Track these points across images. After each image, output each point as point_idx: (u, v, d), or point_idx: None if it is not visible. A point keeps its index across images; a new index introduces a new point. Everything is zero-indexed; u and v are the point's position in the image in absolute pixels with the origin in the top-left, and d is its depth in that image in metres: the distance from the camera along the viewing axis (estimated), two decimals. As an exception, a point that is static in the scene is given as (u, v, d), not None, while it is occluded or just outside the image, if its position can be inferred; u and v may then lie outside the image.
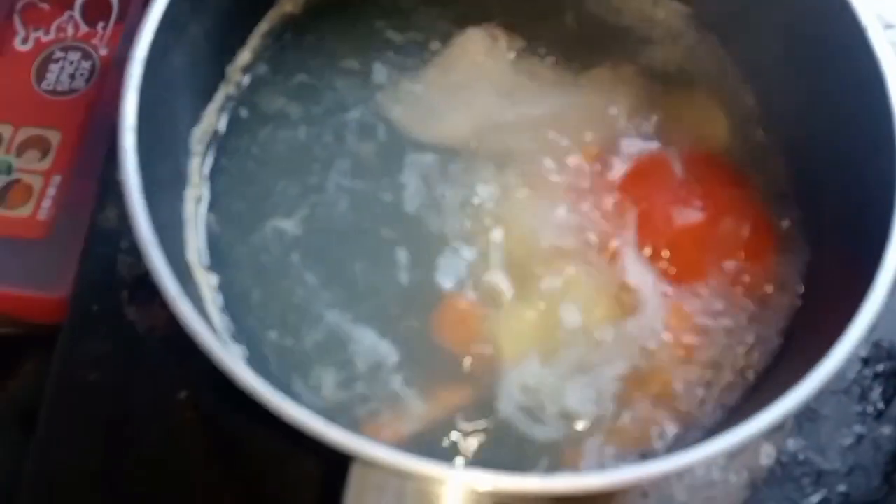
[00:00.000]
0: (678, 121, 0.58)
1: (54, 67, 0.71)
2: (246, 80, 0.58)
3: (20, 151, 0.68)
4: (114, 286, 0.58)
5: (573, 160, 0.57)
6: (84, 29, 0.74)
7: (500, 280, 0.53)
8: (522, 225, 0.55)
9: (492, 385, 0.50)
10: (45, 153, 0.68)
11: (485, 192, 0.55)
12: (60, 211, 0.65)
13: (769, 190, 0.57)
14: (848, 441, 0.56)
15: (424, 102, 0.58)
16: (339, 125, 0.57)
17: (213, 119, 0.56)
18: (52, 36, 0.73)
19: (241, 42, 0.58)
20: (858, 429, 0.56)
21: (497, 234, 0.54)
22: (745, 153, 0.58)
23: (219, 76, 0.56)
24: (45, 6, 0.75)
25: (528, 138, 0.58)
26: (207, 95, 0.56)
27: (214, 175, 0.55)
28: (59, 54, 0.72)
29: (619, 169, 0.56)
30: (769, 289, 0.54)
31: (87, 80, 0.71)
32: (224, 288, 0.52)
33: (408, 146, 0.57)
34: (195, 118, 0.55)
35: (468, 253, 0.53)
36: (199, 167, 0.54)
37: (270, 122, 0.57)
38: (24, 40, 0.73)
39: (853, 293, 0.43)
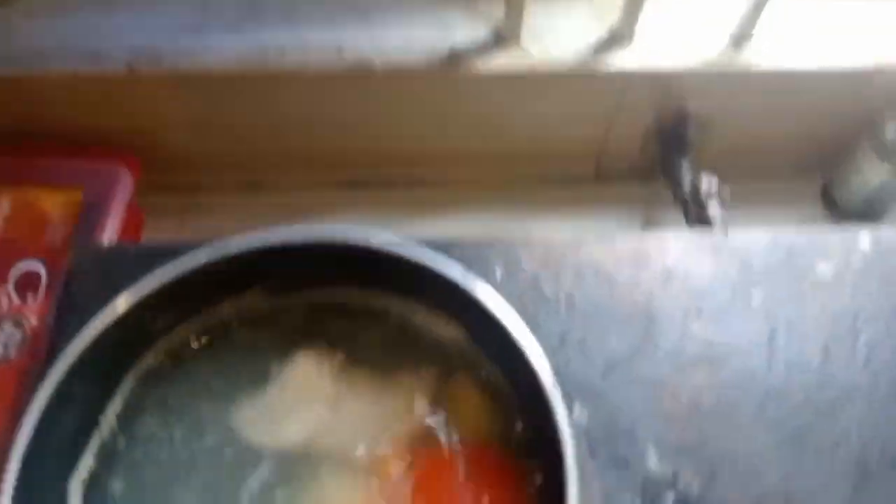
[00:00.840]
0: (457, 414, 0.69)
1: (-10, 339, 0.76)
2: (117, 426, 0.67)
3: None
4: None
5: (381, 457, 0.69)
6: (16, 301, 0.80)
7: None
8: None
9: None
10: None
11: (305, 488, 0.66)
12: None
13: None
14: None
15: (268, 416, 0.71)
16: (195, 449, 0.67)
17: (90, 464, 0.64)
18: (-12, 310, 0.79)
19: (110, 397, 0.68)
20: None
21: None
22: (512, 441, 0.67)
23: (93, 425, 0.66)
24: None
25: (347, 438, 0.69)
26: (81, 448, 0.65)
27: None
28: (-6, 327, 0.78)
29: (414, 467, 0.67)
30: None
31: (19, 349, 0.77)
32: None
33: (251, 454, 0.67)
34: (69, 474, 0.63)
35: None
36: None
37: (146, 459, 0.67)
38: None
39: None
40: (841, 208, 1.05)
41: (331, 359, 0.73)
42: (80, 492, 0.63)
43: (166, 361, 0.71)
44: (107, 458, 0.65)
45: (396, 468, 0.68)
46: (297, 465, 0.68)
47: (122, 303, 0.63)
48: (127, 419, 0.67)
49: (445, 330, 0.72)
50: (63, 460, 0.62)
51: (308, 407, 0.72)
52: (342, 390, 0.72)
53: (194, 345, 0.72)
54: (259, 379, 0.71)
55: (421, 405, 0.70)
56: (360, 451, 0.69)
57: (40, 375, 0.58)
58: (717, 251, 0.79)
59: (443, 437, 0.68)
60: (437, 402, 0.70)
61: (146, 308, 0.64)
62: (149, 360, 0.71)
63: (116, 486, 0.65)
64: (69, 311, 0.73)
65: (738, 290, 0.77)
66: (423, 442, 0.69)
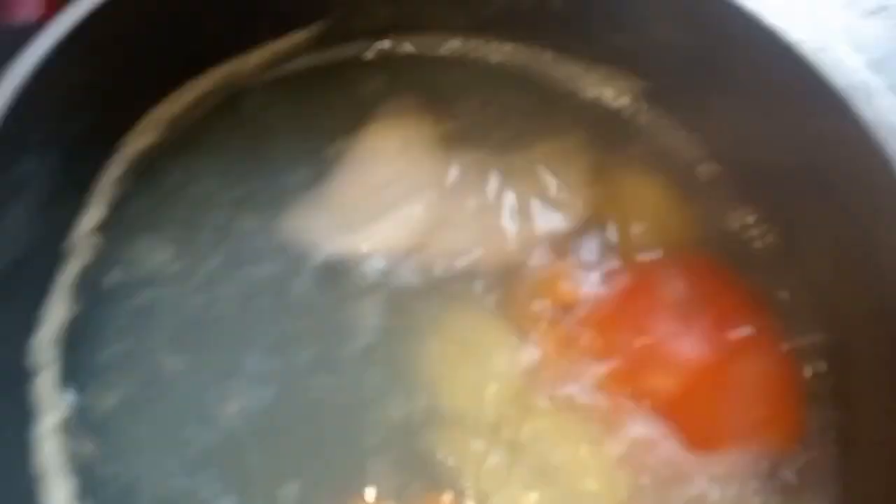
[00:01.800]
0: (637, 213, 0.47)
1: None
2: (95, 250, 0.44)
3: None
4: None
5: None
6: None
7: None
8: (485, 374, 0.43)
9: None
10: None
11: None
12: None
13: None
14: None
15: (342, 214, 0.46)
16: (238, 292, 0.44)
17: (61, 314, 0.42)
18: None
19: (82, 203, 0.43)
20: None
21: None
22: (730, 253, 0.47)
23: (57, 256, 0.42)
24: None
25: (476, 239, 0.46)
26: (42, 286, 0.42)
27: (75, 382, 0.41)
28: None
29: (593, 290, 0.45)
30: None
31: None
32: None
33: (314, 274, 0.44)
34: (30, 325, 0.40)
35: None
36: (51, 385, 0.41)
37: (138, 291, 0.44)
38: None
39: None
40: None
41: (429, 130, 0.49)
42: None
43: (167, 139, 0.46)
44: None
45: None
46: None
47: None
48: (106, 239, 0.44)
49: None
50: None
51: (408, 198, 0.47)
52: (459, 172, 0.48)
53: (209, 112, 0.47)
54: (313, 163, 0.47)
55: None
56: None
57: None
58: None
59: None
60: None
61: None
62: (141, 137, 0.45)
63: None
64: None
65: None
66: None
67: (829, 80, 0.39)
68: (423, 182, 0.47)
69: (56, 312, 0.42)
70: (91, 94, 0.40)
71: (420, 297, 0.44)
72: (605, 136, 0.49)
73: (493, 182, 0.47)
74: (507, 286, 0.45)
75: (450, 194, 0.47)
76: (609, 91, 0.50)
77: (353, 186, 0.47)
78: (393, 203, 0.47)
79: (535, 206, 0.47)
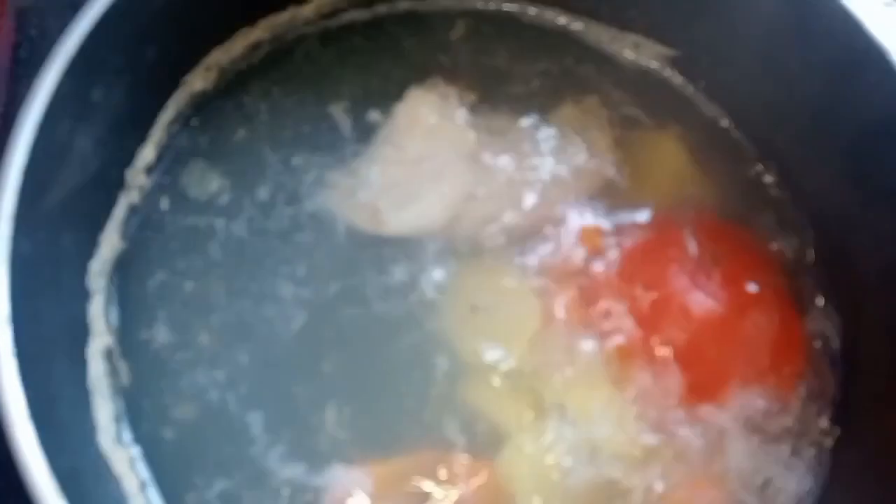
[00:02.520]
0: (659, 174, 0.50)
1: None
2: (151, 181, 0.46)
3: None
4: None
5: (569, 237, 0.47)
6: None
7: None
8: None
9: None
10: None
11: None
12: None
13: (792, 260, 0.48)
14: None
15: (389, 186, 0.48)
16: (281, 228, 0.46)
17: (115, 240, 0.44)
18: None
19: (142, 138, 0.46)
20: None
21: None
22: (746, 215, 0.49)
23: (116, 186, 0.45)
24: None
25: (503, 204, 0.48)
26: (104, 213, 0.44)
27: (126, 310, 0.44)
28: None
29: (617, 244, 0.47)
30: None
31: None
32: (153, 462, 0.41)
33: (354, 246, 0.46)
34: (90, 249, 0.43)
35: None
36: (103, 309, 0.43)
37: (188, 228, 0.46)
38: None
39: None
40: None
41: (460, 96, 0.51)
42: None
43: (222, 81, 0.48)
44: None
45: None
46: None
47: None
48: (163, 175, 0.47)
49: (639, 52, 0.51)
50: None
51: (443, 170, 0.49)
52: (485, 141, 0.50)
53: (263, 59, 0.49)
54: (350, 127, 0.49)
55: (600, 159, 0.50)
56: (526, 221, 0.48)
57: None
58: None
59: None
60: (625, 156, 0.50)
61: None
62: (199, 79, 0.47)
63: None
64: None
65: None
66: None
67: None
68: (454, 155, 0.49)
69: (111, 239, 0.44)
70: (157, 34, 0.42)
71: (450, 257, 0.47)
72: (629, 99, 0.51)
73: (522, 146, 0.49)
74: (531, 245, 0.47)
75: (480, 164, 0.49)
76: (636, 56, 0.52)
77: (392, 163, 0.49)
78: (430, 178, 0.48)
79: (561, 167, 0.49)
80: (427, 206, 0.47)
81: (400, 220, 0.47)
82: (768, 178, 0.50)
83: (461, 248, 0.47)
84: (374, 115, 0.49)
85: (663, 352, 0.45)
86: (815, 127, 0.45)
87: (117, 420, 0.42)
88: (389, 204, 0.47)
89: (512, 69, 0.51)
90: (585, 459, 0.43)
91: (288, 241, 0.46)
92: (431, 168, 0.48)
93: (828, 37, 0.42)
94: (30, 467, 0.31)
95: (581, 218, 0.48)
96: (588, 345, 0.46)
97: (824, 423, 0.45)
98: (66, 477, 0.32)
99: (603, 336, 0.46)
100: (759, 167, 0.50)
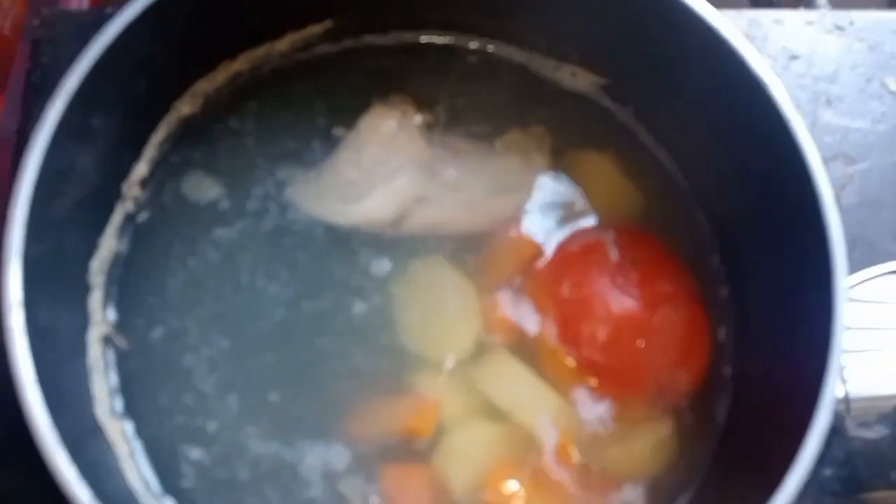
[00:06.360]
0: (591, 189, 0.56)
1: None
2: (145, 193, 0.53)
3: None
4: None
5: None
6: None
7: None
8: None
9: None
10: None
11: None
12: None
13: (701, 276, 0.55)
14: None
15: (342, 184, 0.55)
16: (254, 229, 0.53)
17: (113, 243, 0.51)
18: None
19: (136, 155, 0.53)
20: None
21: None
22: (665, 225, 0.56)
23: (113, 196, 0.52)
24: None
25: (451, 211, 0.55)
26: (102, 220, 0.51)
27: (122, 303, 0.51)
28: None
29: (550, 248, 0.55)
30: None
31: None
32: (143, 433, 0.48)
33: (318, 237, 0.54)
34: (91, 250, 0.50)
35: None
36: (101, 302, 0.50)
37: (178, 233, 0.53)
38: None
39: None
40: None
41: (417, 113, 0.58)
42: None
43: (208, 106, 0.56)
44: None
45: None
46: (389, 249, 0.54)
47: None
48: (155, 187, 0.54)
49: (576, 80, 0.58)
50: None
51: (395, 173, 0.56)
52: (438, 154, 0.57)
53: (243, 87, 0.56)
54: (320, 141, 0.57)
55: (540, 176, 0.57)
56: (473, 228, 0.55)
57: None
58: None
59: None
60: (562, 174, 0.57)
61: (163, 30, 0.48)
62: (187, 105, 0.55)
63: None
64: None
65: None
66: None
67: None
68: (408, 162, 0.56)
69: (109, 241, 0.51)
70: (149, 68, 0.49)
71: (401, 253, 0.54)
72: (569, 123, 0.58)
73: (469, 162, 0.56)
74: (475, 249, 0.54)
75: (431, 173, 0.56)
76: (574, 83, 0.58)
77: (350, 165, 0.56)
78: (383, 179, 0.55)
79: (506, 181, 0.56)
80: (378, 200, 0.54)
81: (356, 211, 0.54)
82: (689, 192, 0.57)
83: (418, 247, 0.54)
84: (340, 131, 0.56)
85: (587, 348, 0.52)
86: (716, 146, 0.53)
87: (111, 395, 0.49)
88: (345, 197, 0.54)
89: (465, 94, 0.58)
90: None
91: (271, 243, 0.53)
92: (386, 170, 0.55)
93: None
94: (38, 425, 0.38)
95: (520, 228, 0.55)
96: (522, 341, 0.52)
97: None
98: (68, 436, 0.39)
99: (534, 333, 0.53)
100: (685, 184, 0.57)
